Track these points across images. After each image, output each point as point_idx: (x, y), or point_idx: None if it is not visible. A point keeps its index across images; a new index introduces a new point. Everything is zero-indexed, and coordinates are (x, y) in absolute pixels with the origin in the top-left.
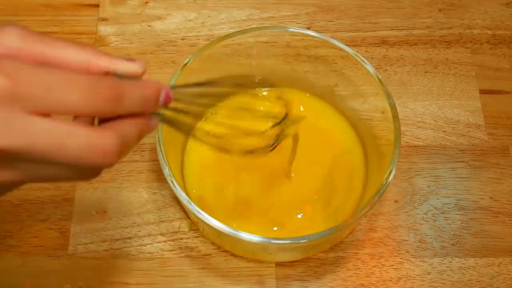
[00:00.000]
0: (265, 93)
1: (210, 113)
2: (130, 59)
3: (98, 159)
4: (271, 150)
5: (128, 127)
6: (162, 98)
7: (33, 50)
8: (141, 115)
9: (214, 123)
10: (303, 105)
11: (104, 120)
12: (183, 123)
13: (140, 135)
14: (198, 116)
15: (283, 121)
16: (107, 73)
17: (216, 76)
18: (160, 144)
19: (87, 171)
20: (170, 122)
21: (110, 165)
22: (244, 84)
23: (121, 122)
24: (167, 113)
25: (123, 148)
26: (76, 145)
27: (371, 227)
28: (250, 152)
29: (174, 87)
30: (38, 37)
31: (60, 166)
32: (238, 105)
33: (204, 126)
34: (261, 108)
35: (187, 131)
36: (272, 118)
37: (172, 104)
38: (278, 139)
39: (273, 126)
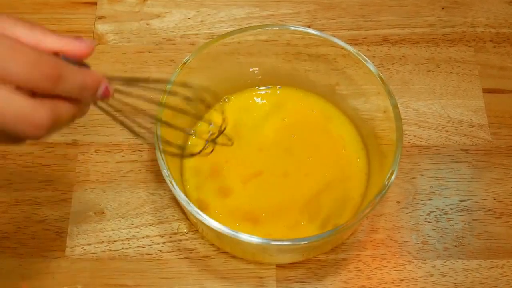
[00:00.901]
0: (264, 92)
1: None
2: (77, 39)
3: (28, 130)
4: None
5: (63, 107)
6: (100, 90)
7: None
8: (78, 100)
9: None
10: (303, 104)
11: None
12: (123, 119)
13: (73, 118)
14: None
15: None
16: (55, 54)
17: (215, 76)
18: (158, 144)
19: (14, 138)
20: (109, 114)
21: (37, 137)
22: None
23: (58, 100)
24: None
25: (54, 125)
26: (11, 112)
27: (372, 228)
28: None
29: (111, 78)
30: None
31: None
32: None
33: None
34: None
35: (129, 128)
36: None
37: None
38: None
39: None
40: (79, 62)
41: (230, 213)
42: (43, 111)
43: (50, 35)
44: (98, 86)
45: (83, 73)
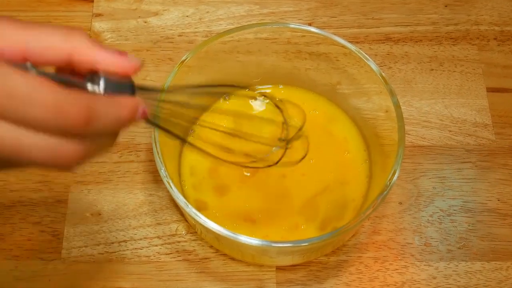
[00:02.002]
0: (266, 91)
1: (203, 119)
2: (121, 53)
3: (56, 166)
4: (276, 164)
5: (95, 142)
6: (138, 116)
7: (16, 39)
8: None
9: (210, 126)
10: (305, 104)
11: None
12: (171, 127)
13: (108, 147)
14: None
15: (290, 133)
16: (93, 71)
17: (214, 74)
18: (156, 144)
19: (49, 168)
20: (156, 126)
21: (68, 171)
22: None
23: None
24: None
25: (86, 158)
26: (38, 152)
27: (374, 230)
28: (250, 165)
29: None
30: (21, 25)
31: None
32: (234, 108)
33: (200, 131)
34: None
35: (176, 135)
36: (272, 122)
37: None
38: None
39: (284, 139)
40: (121, 82)
41: (228, 213)
42: (73, 145)
43: (89, 47)
44: (135, 113)
45: (117, 105)
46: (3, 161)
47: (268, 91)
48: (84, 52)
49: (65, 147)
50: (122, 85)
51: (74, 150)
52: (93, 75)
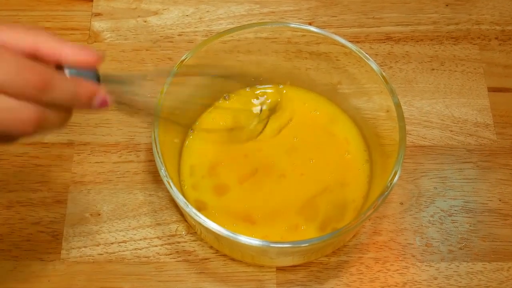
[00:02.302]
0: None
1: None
2: (84, 47)
3: (14, 125)
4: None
5: (51, 111)
6: (96, 102)
7: None
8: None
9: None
10: (306, 104)
11: None
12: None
13: (62, 123)
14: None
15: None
16: (57, 63)
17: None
18: (156, 144)
19: (3, 136)
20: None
21: (25, 133)
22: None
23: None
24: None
25: (41, 124)
26: None
27: (375, 230)
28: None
29: (106, 79)
30: None
31: None
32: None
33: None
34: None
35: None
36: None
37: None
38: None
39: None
40: (85, 73)
41: (228, 213)
42: (30, 108)
43: (51, 41)
44: (92, 97)
45: (75, 83)
46: None
47: (269, 91)
48: (49, 46)
49: (22, 110)
50: (87, 74)
51: (29, 114)
52: (58, 67)
